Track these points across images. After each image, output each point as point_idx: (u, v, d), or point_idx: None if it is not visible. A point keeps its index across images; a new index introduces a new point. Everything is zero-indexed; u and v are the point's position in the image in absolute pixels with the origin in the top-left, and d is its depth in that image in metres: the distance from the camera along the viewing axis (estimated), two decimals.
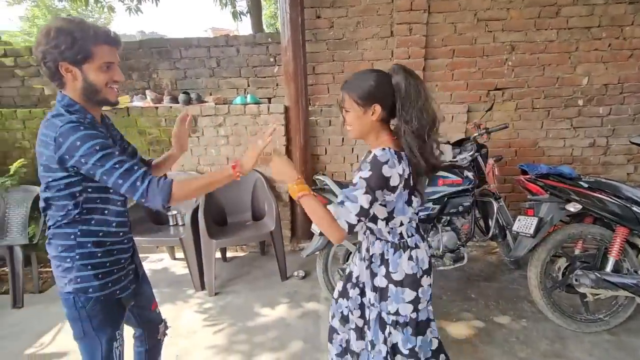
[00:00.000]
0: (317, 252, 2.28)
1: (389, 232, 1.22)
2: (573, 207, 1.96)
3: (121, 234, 1.19)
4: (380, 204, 1.15)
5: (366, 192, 1.07)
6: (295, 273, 2.79)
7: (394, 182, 1.09)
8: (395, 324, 1.25)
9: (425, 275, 1.26)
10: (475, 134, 2.47)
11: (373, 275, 1.27)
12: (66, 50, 0.98)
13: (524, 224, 2.05)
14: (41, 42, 1.00)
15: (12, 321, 2.38)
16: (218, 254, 2.93)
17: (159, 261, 3.16)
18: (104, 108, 1.18)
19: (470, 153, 2.42)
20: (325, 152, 3.26)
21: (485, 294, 2.45)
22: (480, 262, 2.87)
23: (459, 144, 2.55)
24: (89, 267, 1.11)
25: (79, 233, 1.10)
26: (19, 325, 2.33)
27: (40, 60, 1.02)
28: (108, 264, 1.15)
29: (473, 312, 2.27)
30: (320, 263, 2.28)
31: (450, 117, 3.08)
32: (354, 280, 1.39)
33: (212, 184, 1.13)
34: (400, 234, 1.22)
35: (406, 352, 1.26)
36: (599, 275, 1.90)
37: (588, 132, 3.07)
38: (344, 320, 1.43)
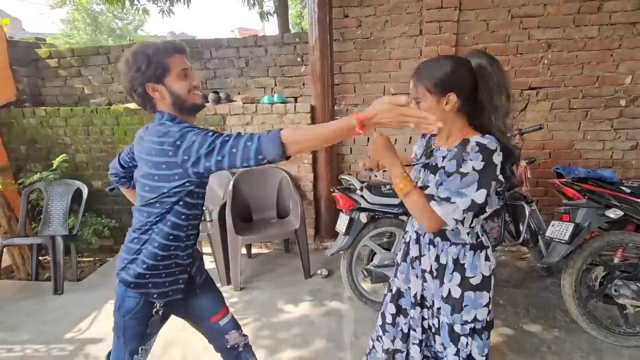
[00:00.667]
0: (342, 252, 2.29)
1: (467, 233, 1.15)
2: (613, 214, 1.86)
3: (185, 245, 1.18)
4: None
5: (481, 186, 1.00)
6: (319, 271, 2.81)
7: (500, 171, 1.03)
8: (473, 332, 1.19)
9: (493, 275, 1.20)
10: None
11: (441, 285, 1.19)
12: (146, 69, 1.05)
13: (559, 230, 1.96)
14: (125, 72, 1.08)
15: (53, 307, 2.54)
16: (243, 250, 3.00)
17: None
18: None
19: None
20: (350, 152, 3.26)
21: (514, 300, 2.37)
22: (509, 267, 2.77)
23: None
24: (144, 265, 1.13)
25: (156, 230, 1.12)
26: (59, 311, 2.48)
27: (130, 90, 1.09)
28: (161, 267, 1.15)
29: (502, 319, 2.20)
30: (344, 263, 2.28)
31: None
32: (411, 299, 1.29)
33: (328, 135, 0.95)
34: (477, 233, 1.17)
35: (482, 358, 1.20)
36: None
37: (630, 134, 2.90)
38: (405, 337, 1.35)
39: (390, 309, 1.36)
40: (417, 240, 1.26)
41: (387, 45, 3.01)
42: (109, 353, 1.26)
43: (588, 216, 1.91)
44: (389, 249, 2.36)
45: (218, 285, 2.70)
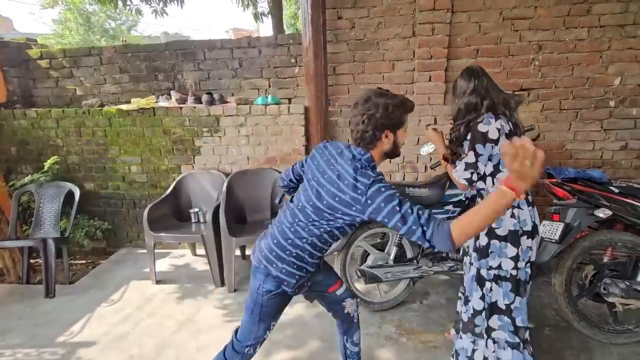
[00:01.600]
0: (335, 253, 2.29)
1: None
2: (602, 213, 1.89)
3: (322, 255, 1.39)
4: (488, 159, 1.43)
5: (470, 150, 1.42)
6: None
7: (492, 135, 1.40)
8: (497, 278, 1.37)
9: (525, 236, 1.39)
10: None
11: (475, 236, 1.41)
12: (392, 118, 1.23)
13: (549, 230, 1.99)
14: (380, 113, 1.22)
15: (44, 310, 2.52)
16: (237, 252, 2.99)
17: (180, 257, 3.25)
18: None
19: None
20: None
21: None
22: None
23: None
24: (295, 266, 1.31)
25: (310, 241, 1.30)
26: (51, 315, 2.46)
27: (374, 126, 1.23)
28: (303, 269, 1.34)
29: None
30: (338, 263, 2.29)
31: None
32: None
33: (492, 216, 0.98)
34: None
35: (503, 306, 1.37)
36: (630, 285, 1.82)
37: (620, 135, 2.94)
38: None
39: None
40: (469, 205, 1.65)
41: (380, 47, 3.03)
42: (237, 329, 1.47)
43: (578, 216, 1.94)
44: (382, 250, 2.37)
45: (212, 287, 2.71)
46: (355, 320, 1.64)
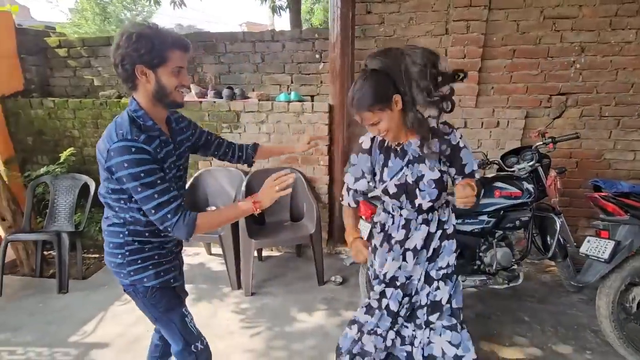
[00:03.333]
0: (361, 265, 2.17)
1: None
2: None
3: (164, 234, 1.24)
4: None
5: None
6: (333, 278, 2.70)
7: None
8: (445, 277, 1.38)
9: None
10: (538, 142, 2.26)
11: (428, 251, 1.37)
12: (145, 54, 1.03)
13: (596, 247, 1.84)
14: (122, 45, 1.04)
15: (57, 306, 2.45)
16: (254, 253, 2.89)
17: (195, 255, 3.16)
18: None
19: (531, 163, 2.22)
20: None
21: (540, 317, 2.25)
22: (532, 281, 2.65)
23: (515, 153, 2.36)
24: (139, 260, 1.20)
25: (127, 232, 1.19)
26: (64, 311, 2.39)
27: (118, 62, 1.06)
28: (156, 257, 1.23)
29: (528, 337, 2.08)
30: (363, 273, 2.17)
31: (506, 123, 2.86)
32: (381, 278, 1.43)
33: (233, 219, 1.24)
34: None
35: (446, 303, 1.37)
36: None
37: None
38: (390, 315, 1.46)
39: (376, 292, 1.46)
40: (405, 226, 1.37)
41: (410, 44, 2.88)
42: None
43: (630, 234, 1.78)
44: None
45: (227, 289, 2.61)
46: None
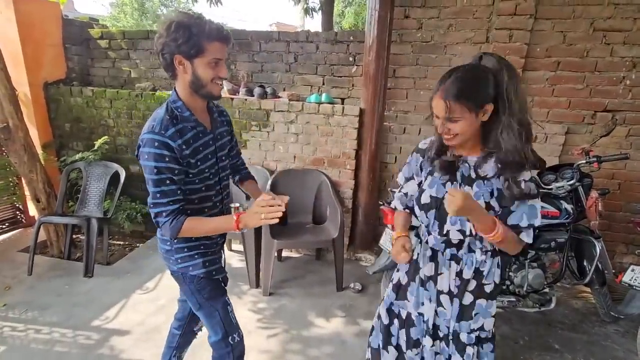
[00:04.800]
0: (384, 273, 2.12)
1: None
2: None
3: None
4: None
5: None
6: (352, 285, 2.64)
7: None
8: (478, 341, 1.18)
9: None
10: (581, 161, 2.14)
11: (458, 298, 1.18)
12: (182, 44, 1.03)
13: None
14: (162, 34, 1.05)
15: (83, 290, 2.52)
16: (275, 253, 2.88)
17: None
18: None
19: (570, 182, 2.10)
20: (395, 161, 3.08)
21: (571, 346, 2.12)
22: (563, 306, 2.50)
23: (554, 170, 2.24)
24: (185, 249, 1.25)
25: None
26: (88, 295, 2.46)
27: (159, 51, 1.09)
28: (202, 247, 1.27)
29: None
30: (385, 282, 2.11)
31: (544, 137, 2.73)
32: (423, 327, 1.23)
33: (215, 231, 1.22)
34: None
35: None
36: None
37: None
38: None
39: (402, 336, 1.28)
40: (433, 258, 1.21)
41: (447, 51, 2.80)
42: None
43: None
44: None
45: (246, 287, 2.60)
46: (191, 340, 1.66)
